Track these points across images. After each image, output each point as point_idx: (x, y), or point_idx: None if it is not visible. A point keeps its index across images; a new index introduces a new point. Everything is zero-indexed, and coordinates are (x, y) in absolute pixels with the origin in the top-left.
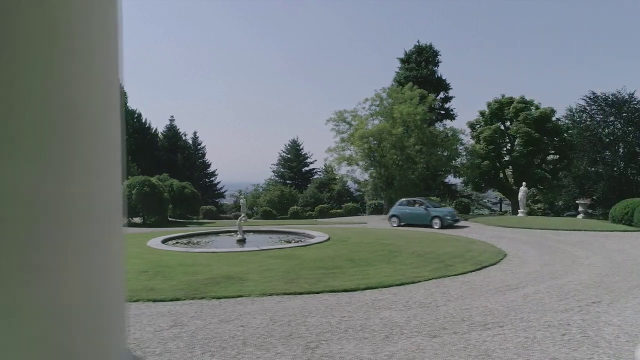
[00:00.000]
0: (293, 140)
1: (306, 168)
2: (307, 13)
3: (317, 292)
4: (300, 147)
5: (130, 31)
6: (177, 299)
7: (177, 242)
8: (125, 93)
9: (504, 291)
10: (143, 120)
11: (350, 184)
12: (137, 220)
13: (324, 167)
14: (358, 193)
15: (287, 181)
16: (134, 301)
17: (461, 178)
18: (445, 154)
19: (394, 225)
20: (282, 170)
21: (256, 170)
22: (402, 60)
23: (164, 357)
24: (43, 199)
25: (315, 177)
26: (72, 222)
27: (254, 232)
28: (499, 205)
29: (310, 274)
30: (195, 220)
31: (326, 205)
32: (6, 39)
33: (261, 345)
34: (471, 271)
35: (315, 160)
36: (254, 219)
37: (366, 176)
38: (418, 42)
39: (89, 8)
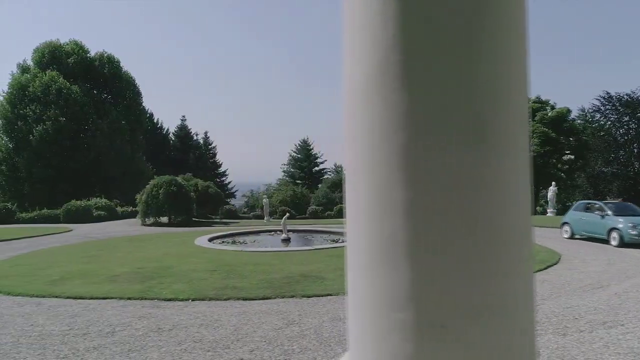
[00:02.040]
0: (303, 140)
1: (316, 168)
2: (314, 15)
3: None
4: (311, 147)
5: (142, 29)
6: (268, 297)
7: (223, 241)
8: (140, 93)
9: (591, 290)
10: (155, 120)
11: None
12: (164, 219)
13: (334, 167)
14: None
15: (297, 181)
16: (225, 299)
17: None
18: None
19: (565, 236)
20: (292, 170)
21: (266, 170)
22: None
23: (306, 355)
24: None
25: (325, 177)
26: None
27: (291, 231)
28: None
29: None
30: (218, 220)
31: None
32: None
33: None
34: (539, 270)
35: (326, 160)
36: (274, 218)
37: None
38: None
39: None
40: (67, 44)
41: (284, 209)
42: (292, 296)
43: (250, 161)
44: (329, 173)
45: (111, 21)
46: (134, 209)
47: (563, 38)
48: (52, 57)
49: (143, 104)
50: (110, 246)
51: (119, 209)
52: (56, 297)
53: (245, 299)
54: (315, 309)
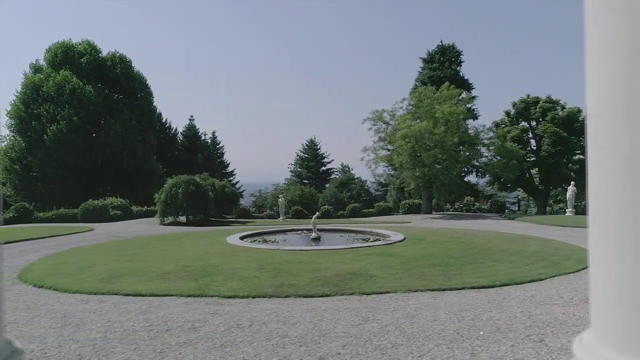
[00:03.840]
0: (310, 140)
1: (323, 168)
2: (322, 17)
3: (458, 289)
4: (318, 147)
5: (151, 30)
6: (327, 295)
7: (255, 240)
8: (152, 92)
9: None
10: (163, 120)
11: (369, 183)
12: (182, 219)
13: (340, 167)
14: (377, 192)
15: (305, 181)
16: (285, 297)
17: (484, 177)
18: (467, 153)
19: None
20: (299, 170)
21: (273, 170)
22: (425, 60)
23: (400, 350)
24: None
25: (332, 176)
26: None
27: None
28: (517, 204)
29: (428, 271)
30: (234, 220)
31: (357, 204)
32: None
33: (496, 340)
34: (581, 269)
35: (333, 160)
36: (289, 218)
37: (405, 175)
38: (441, 42)
39: None
40: (80, 44)
41: (297, 208)
42: (351, 293)
43: (251, 161)
44: (335, 173)
45: (117, 21)
46: (148, 208)
47: (574, 37)
48: (65, 57)
49: (153, 103)
50: (142, 245)
51: (133, 208)
52: (115, 294)
53: (305, 296)
54: (380, 306)
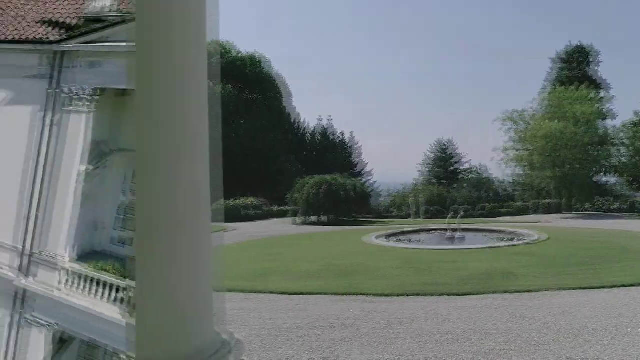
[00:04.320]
0: (438, 140)
1: (451, 168)
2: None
3: (609, 287)
4: (446, 147)
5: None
6: (471, 293)
7: (390, 239)
8: (280, 92)
9: None
10: (293, 120)
11: (501, 183)
12: (313, 218)
13: (469, 167)
14: (507, 192)
15: (433, 180)
16: (430, 295)
17: (622, 177)
18: (605, 153)
19: None
20: (429, 169)
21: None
22: (563, 60)
23: (559, 348)
24: None
25: (460, 176)
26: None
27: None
28: None
29: (574, 270)
30: (366, 219)
31: (489, 204)
32: None
33: None
34: None
35: (461, 159)
36: (423, 218)
37: (541, 175)
38: (579, 42)
39: None
40: (209, 44)
41: (428, 208)
42: (495, 292)
43: (381, 161)
44: (464, 173)
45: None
46: (279, 208)
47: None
48: None
49: (287, 103)
50: (284, 244)
51: (264, 208)
52: (269, 292)
53: (449, 294)
54: (530, 304)
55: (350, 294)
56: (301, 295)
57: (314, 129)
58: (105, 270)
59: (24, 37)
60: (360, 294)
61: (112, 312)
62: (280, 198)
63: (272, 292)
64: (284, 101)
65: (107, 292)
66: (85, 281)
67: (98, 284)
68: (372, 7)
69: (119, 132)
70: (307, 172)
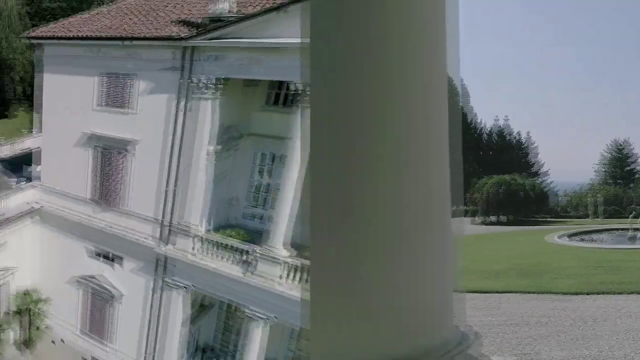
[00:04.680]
0: (614, 139)
1: (627, 167)
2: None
3: None
4: (622, 147)
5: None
6: None
7: (572, 238)
8: (458, 92)
9: None
10: (469, 120)
11: None
12: (492, 218)
13: None
14: None
15: (609, 180)
16: (618, 293)
17: None
18: None
19: None
20: (605, 169)
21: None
22: None
23: None
24: None
25: (637, 176)
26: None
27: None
28: None
29: None
30: (544, 219)
31: None
32: None
33: None
34: None
35: (639, 159)
36: (602, 218)
37: None
38: None
39: None
40: None
41: (606, 207)
42: None
43: (558, 160)
44: None
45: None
46: (456, 207)
47: None
48: None
49: (464, 103)
50: (465, 243)
51: None
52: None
53: (638, 293)
54: None
55: (539, 293)
56: (492, 294)
57: (491, 129)
58: (230, 237)
59: (159, 35)
60: (550, 293)
61: (234, 271)
62: (458, 198)
63: (469, 291)
64: (460, 101)
65: (232, 255)
66: (215, 246)
67: (225, 247)
68: None
69: (249, 119)
70: (483, 172)
